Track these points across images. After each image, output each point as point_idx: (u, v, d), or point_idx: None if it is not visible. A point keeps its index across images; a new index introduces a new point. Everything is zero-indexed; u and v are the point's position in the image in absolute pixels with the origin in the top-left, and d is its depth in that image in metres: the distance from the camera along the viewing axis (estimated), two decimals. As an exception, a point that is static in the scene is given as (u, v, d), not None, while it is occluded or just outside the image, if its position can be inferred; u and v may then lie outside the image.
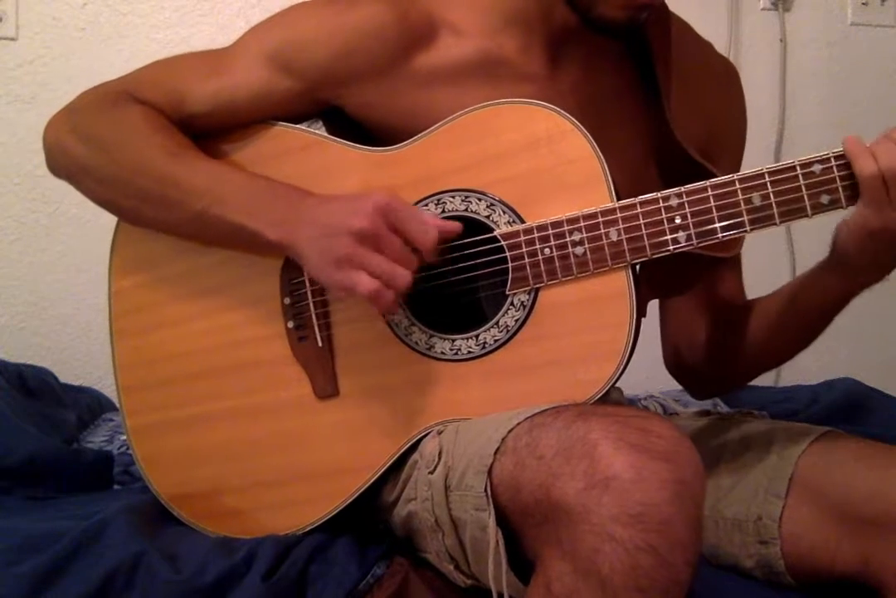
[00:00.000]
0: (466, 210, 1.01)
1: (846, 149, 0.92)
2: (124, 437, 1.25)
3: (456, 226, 0.99)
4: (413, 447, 1.02)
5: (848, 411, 1.59)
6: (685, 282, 1.13)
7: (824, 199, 0.93)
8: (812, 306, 1.06)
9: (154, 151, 1.06)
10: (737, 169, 1.16)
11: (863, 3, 2.17)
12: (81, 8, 1.87)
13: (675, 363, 1.23)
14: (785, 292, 1.10)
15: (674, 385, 1.86)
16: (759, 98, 2.11)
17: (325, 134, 1.09)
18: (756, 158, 0.97)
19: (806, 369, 2.09)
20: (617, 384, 1.02)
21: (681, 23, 1.14)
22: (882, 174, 0.90)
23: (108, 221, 1.16)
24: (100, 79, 1.15)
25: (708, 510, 1.04)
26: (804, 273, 1.06)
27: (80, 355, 1.86)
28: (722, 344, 1.16)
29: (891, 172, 0.90)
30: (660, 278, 1.05)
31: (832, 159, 0.92)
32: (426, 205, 1.03)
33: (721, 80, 1.18)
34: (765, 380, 2.06)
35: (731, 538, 1.04)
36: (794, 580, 1.00)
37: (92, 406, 1.66)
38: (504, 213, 1.00)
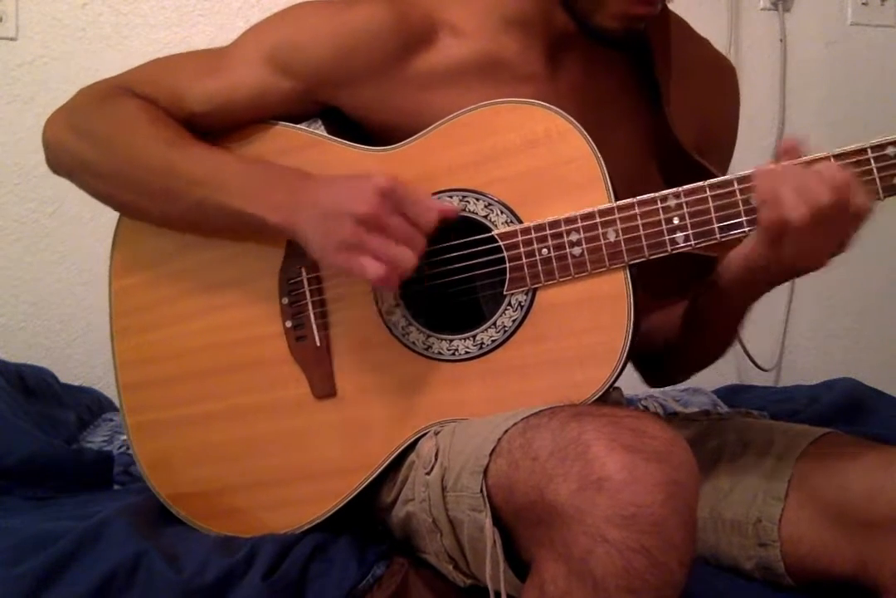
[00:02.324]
0: (464, 210, 1.01)
1: (756, 194, 0.92)
2: (124, 437, 1.26)
3: (454, 209, 1.00)
4: (411, 448, 1.02)
5: (848, 411, 1.59)
6: (682, 283, 1.13)
7: None
8: (712, 319, 1.07)
9: (151, 142, 1.06)
10: (726, 164, 1.16)
11: (863, 3, 2.16)
12: (81, 8, 1.87)
13: (639, 351, 1.22)
14: (694, 299, 1.10)
15: (674, 385, 1.86)
16: (759, 98, 2.10)
17: (325, 134, 1.09)
18: (756, 157, 0.97)
19: (806, 369, 2.10)
20: (617, 384, 1.02)
21: (678, 20, 1.14)
22: (783, 224, 0.90)
23: (108, 220, 1.17)
24: (99, 79, 1.14)
25: (707, 512, 1.04)
26: (697, 292, 1.08)
27: (80, 355, 1.86)
28: (684, 337, 1.15)
29: (790, 223, 0.89)
30: (656, 279, 1.05)
31: (832, 160, 0.92)
32: (424, 205, 1.03)
33: (717, 77, 1.19)
34: (765, 380, 2.08)
35: (730, 539, 1.03)
36: (794, 582, 1.00)
37: (92, 406, 1.66)
38: (502, 213, 1.00)
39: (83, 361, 1.85)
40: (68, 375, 1.76)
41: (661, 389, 1.79)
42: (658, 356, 1.18)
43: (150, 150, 1.06)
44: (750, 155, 1.18)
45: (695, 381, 1.83)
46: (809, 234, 0.90)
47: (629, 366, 0.98)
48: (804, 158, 0.92)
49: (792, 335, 2.14)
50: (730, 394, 1.84)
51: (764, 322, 2.11)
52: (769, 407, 1.63)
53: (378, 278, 0.96)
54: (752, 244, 0.94)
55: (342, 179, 1.01)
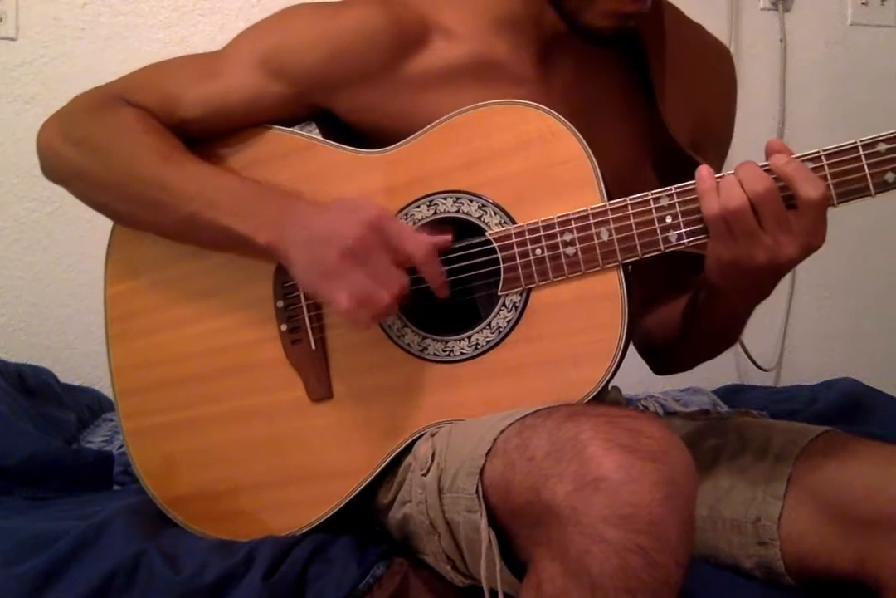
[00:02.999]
0: (458, 211, 1.01)
1: (697, 186, 0.93)
2: (123, 438, 1.26)
3: (446, 238, 1.00)
4: (407, 450, 1.02)
5: (848, 411, 1.59)
6: (677, 281, 1.13)
7: None
8: (712, 319, 1.07)
9: (145, 154, 1.06)
10: (724, 152, 1.16)
11: (863, 3, 2.16)
12: (81, 8, 1.87)
13: (644, 342, 1.22)
14: (692, 303, 1.10)
15: (674, 385, 1.86)
16: (759, 98, 2.10)
17: (319, 137, 1.09)
18: (755, 158, 0.96)
19: (806, 369, 2.10)
20: (616, 384, 1.02)
21: (671, 8, 1.13)
22: (722, 213, 0.91)
23: (108, 221, 1.17)
24: (99, 79, 1.15)
25: (707, 511, 1.04)
26: (696, 292, 1.07)
27: (80, 355, 1.86)
28: (684, 329, 1.16)
29: (728, 212, 0.90)
30: (652, 278, 1.04)
31: (822, 158, 0.92)
32: (418, 206, 1.03)
33: (713, 62, 1.18)
34: (765, 380, 2.08)
35: (729, 538, 1.03)
36: (793, 581, 0.99)
37: (92, 406, 1.66)
38: (496, 214, 1.00)
39: (83, 361, 1.85)
40: (68, 375, 1.77)
41: (662, 389, 1.80)
42: (662, 349, 1.18)
43: (144, 162, 1.06)
44: (749, 155, 1.18)
45: (695, 381, 1.84)
46: (757, 227, 0.90)
47: (629, 363, 0.98)
48: (795, 156, 0.92)
49: (792, 335, 2.14)
50: (730, 394, 1.84)
51: (764, 322, 2.11)
52: (769, 407, 1.63)
53: (344, 313, 0.96)
54: (709, 245, 0.94)
55: (334, 204, 1.01)
